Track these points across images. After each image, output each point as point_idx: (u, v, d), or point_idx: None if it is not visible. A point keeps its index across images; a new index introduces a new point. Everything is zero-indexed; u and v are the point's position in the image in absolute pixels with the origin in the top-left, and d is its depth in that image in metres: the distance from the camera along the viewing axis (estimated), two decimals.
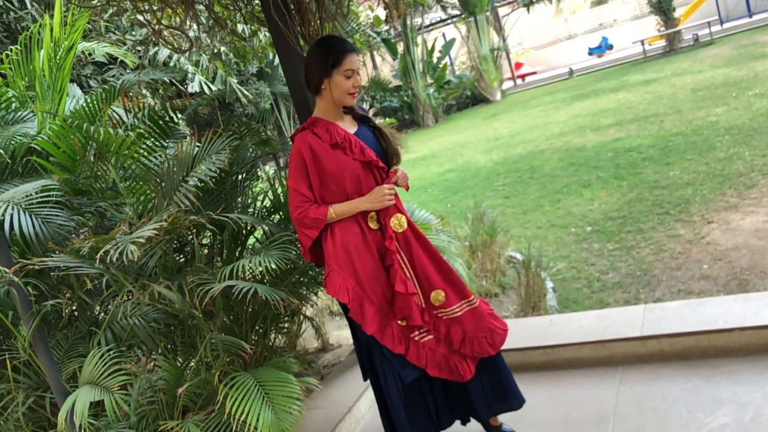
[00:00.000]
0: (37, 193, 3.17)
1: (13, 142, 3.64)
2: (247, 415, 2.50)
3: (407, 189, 2.71)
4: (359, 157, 2.51)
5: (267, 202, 3.52)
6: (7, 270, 2.67)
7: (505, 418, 2.90)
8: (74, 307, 3.22)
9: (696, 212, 5.17)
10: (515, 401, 2.77)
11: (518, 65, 24.78)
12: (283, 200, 3.42)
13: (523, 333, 3.59)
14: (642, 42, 18.98)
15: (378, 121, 17.77)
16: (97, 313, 3.24)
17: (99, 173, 3.34)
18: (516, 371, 3.38)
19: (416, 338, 2.59)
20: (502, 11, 22.42)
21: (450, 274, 2.67)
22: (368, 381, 2.78)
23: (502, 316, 4.18)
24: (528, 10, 20.45)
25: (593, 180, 7.09)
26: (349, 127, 2.62)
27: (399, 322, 2.56)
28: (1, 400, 3.03)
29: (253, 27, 4.57)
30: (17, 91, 3.97)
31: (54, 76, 3.93)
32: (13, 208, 3.02)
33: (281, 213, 3.42)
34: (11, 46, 4.08)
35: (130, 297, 2.93)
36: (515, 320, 3.93)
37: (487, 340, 2.66)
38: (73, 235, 3.03)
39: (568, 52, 25.53)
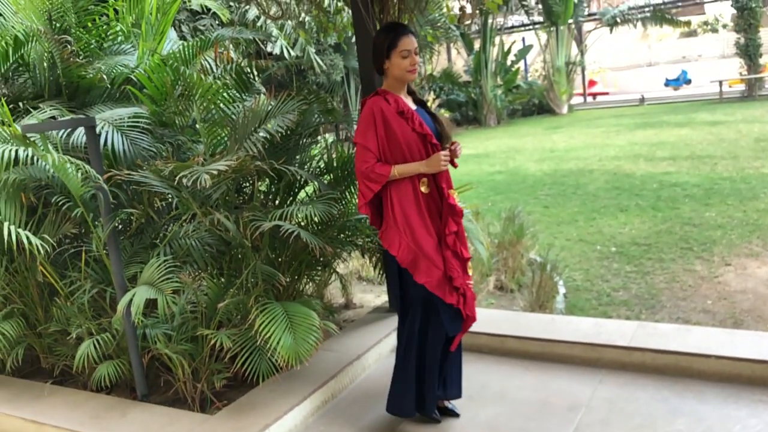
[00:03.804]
0: (129, 118, 3.68)
1: (114, 71, 4.17)
2: (271, 335, 2.96)
3: (456, 165, 3.06)
4: (418, 129, 2.90)
5: (321, 164, 3.96)
6: (99, 176, 3.18)
7: (490, 393, 3.28)
8: (142, 221, 3.73)
9: (718, 253, 5.40)
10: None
11: (592, 83, 24.67)
12: (335, 164, 3.86)
13: (525, 324, 3.96)
14: (720, 82, 18.70)
15: (441, 112, 18.07)
16: (161, 229, 3.72)
17: (183, 111, 3.81)
18: (512, 356, 3.78)
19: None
20: (586, 26, 22.30)
21: None
22: (377, 339, 3.14)
23: (512, 309, 4.55)
24: (611, 30, 20.36)
25: (632, 206, 7.32)
26: (410, 105, 3.02)
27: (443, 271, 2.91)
28: (70, 285, 3.57)
29: (338, 5, 4.99)
30: (125, 27, 4.49)
31: (159, 19, 4.43)
32: (108, 127, 3.55)
33: (332, 174, 3.86)
34: None
35: (193, 220, 3.41)
36: (522, 313, 4.30)
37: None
38: (154, 159, 3.52)
39: (645, 78, 25.24)
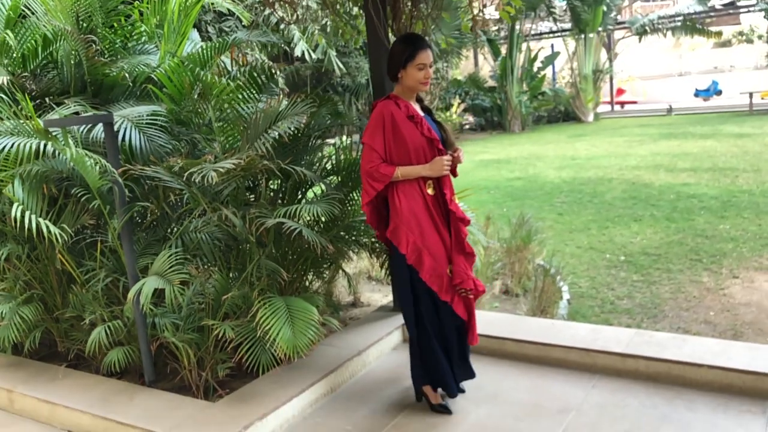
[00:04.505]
0: (147, 115, 3.84)
1: (137, 70, 4.34)
2: (271, 327, 3.08)
3: (456, 174, 3.20)
4: (426, 134, 3.06)
5: (329, 165, 4.08)
6: (115, 171, 3.34)
7: (483, 393, 3.38)
8: (157, 214, 3.88)
9: (726, 266, 5.41)
10: None
11: (620, 91, 24.48)
12: (342, 166, 3.98)
13: (525, 328, 4.03)
14: (751, 94, 18.44)
15: (465, 117, 18.11)
16: (174, 223, 3.88)
17: (199, 110, 3.97)
18: (510, 359, 3.86)
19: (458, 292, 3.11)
20: (617, 34, 22.15)
21: None
22: (379, 336, 3.28)
23: (514, 313, 4.62)
24: (639, 39, 20.22)
25: (646, 216, 7.33)
26: (419, 111, 3.16)
27: (448, 272, 3.07)
28: (86, 274, 3.74)
29: (358, 11, 5.11)
30: (149, 28, 4.67)
31: (181, 21, 4.60)
32: (126, 123, 3.71)
33: (338, 176, 3.99)
34: None
35: (203, 215, 3.55)
36: (523, 317, 4.37)
37: None
38: (170, 156, 3.67)
39: (675, 88, 24.94)
